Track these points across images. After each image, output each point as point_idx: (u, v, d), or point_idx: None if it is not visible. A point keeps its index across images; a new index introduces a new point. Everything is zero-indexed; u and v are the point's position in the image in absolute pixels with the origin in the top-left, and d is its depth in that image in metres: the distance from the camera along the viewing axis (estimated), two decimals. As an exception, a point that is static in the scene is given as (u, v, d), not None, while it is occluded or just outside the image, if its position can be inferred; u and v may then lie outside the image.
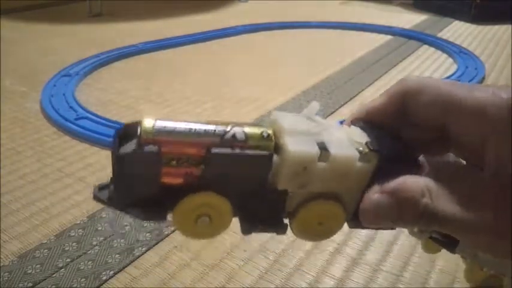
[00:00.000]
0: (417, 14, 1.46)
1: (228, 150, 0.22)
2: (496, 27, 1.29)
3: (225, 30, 1.20)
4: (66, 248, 0.41)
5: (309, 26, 1.28)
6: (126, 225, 0.44)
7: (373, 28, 1.25)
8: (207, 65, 0.96)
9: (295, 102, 0.75)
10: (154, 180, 0.22)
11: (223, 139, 0.22)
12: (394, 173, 0.22)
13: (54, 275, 0.38)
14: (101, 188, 0.23)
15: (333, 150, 0.22)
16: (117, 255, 0.40)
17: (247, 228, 0.24)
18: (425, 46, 1.10)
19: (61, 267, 0.38)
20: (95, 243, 0.41)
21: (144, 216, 0.23)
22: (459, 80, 0.83)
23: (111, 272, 0.38)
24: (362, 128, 0.25)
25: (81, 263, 0.39)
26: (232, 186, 0.23)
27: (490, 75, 0.90)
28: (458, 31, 1.25)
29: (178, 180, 0.22)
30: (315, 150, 0.22)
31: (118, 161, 0.22)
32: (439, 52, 1.05)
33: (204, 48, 1.09)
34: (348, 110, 0.72)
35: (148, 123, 0.21)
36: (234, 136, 0.22)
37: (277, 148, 0.22)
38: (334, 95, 0.78)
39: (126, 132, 0.22)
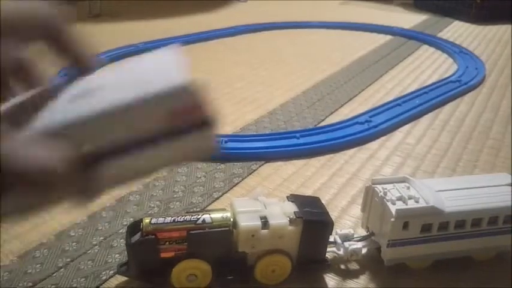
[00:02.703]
0: (417, 14, 1.46)
1: (200, 230, 0.33)
2: (496, 27, 1.29)
3: (225, 30, 1.20)
4: (66, 248, 0.41)
5: (309, 26, 1.28)
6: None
7: (373, 28, 1.25)
8: (207, 65, 0.96)
9: (295, 102, 0.75)
10: (155, 256, 0.33)
11: (196, 224, 0.33)
12: (313, 230, 0.34)
13: (54, 275, 0.38)
14: (121, 265, 0.35)
15: (271, 220, 0.33)
16: (117, 255, 0.40)
17: (222, 281, 0.35)
18: (425, 46, 1.10)
19: (61, 267, 0.38)
20: (95, 243, 0.41)
21: (150, 284, 0.35)
22: (460, 80, 0.83)
23: (111, 272, 0.38)
24: (292, 202, 0.36)
25: (81, 263, 0.39)
26: (208, 253, 0.34)
27: (490, 75, 0.90)
28: (458, 31, 1.25)
29: (171, 254, 0.33)
30: (258, 222, 0.33)
31: (130, 247, 0.33)
32: (439, 52, 1.05)
33: (204, 48, 1.09)
34: (348, 110, 0.72)
35: (147, 220, 0.33)
36: (203, 221, 0.33)
37: (235, 223, 0.33)
38: (334, 95, 0.78)
39: (134, 227, 0.33)
